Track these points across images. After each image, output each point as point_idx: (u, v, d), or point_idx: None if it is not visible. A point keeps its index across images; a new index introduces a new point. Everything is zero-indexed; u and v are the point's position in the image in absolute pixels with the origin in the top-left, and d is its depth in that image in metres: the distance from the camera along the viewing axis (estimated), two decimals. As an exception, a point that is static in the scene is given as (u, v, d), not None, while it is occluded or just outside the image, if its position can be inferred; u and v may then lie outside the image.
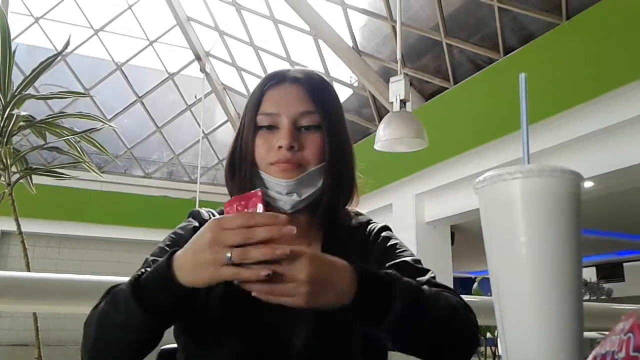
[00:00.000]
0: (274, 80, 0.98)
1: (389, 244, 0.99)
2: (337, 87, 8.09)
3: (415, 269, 0.92)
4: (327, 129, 0.96)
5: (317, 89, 0.98)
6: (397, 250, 0.97)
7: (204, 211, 1.02)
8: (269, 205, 0.96)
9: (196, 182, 8.59)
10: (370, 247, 1.00)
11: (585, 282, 10.74)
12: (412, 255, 0.97)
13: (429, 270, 0.94)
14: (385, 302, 0.75)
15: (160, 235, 1.09)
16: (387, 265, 0.94)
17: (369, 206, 6.36)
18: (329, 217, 1.00)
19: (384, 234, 1.02)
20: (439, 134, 5.14)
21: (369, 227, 1.04)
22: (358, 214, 1.08)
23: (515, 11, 5.35)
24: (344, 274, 0.74)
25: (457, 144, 5.54)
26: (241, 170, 0.98)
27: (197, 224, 0.98)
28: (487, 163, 4.94)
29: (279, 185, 0.95)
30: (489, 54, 5.70)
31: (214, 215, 1.00)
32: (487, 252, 0.58)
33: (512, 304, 0.55)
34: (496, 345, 5.94)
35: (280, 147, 0.93)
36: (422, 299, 0.79)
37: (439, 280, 0.92)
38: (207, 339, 0.88)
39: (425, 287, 0.83)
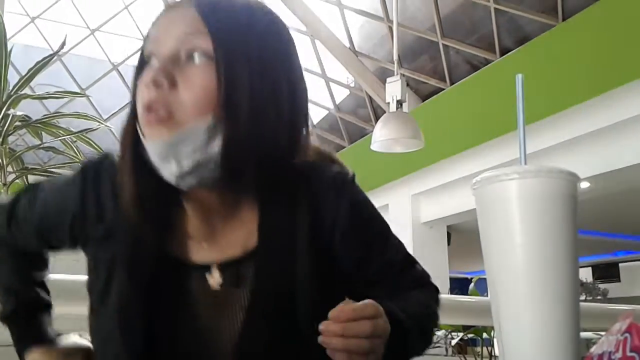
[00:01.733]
0: (166, 8, 0.72)
1: (356, 222, 0.75)
2: (333, 87, 8.08)
3: (395, 272, 0.79)
4: (225, 57, 0.64)
5: (216, 4, 0.68)
6: (368, 237, 0.77)
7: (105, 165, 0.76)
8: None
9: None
10: (330, 222, 0.73)
11: (581, 283, 10.73)
12: (382, 232, 0.79)
13: (408, 263, 0.81)
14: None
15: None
16: (359, 264, 0.76)
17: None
18: (246, 186, 0.70)
19: (350, 207, 0.75)
20: (435, 135, 5.15)
21: (324, 186, 0.74)
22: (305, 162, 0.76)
23: (512, 12, 5.36)
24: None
25: (453, 144, 5.55)
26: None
27: (78, 190, 0.74)
28: (484, 164, 4.94)
29: (148, 147, 0.65)
30: (485, 54, 5.71)
31: (113, 167, 0.73)
32: (483, 252, 0.58)
33: (508, 305, 0.55)
34: (493, 346, 5.93)
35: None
36: (427, 331, 0.80)
37: (432, 278, 0.85)
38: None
39: (423, 314, 0.78)
